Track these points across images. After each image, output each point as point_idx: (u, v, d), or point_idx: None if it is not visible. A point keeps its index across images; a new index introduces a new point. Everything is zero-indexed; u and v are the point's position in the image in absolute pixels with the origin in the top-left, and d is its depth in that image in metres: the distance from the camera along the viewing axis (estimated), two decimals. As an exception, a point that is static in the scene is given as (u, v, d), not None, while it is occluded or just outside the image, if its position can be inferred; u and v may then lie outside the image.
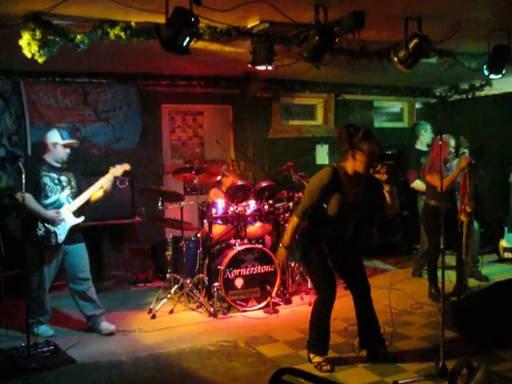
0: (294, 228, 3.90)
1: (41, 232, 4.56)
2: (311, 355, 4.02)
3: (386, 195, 3.82)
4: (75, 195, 4.74)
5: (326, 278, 3.99)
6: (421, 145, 6.74)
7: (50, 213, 4.56)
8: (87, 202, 4.76)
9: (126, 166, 4.95)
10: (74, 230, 4.70)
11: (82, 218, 4.75)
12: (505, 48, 5.08)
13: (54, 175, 4.67)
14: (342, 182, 3.82)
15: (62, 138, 4.68)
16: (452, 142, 5.61)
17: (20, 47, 4.04)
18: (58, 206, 4.64)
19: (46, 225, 4.56)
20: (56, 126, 4.97)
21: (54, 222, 4.57)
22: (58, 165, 4.71)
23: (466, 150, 6.03)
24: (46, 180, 4.61)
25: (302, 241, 4.05)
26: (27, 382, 3.82)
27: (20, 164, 4.27)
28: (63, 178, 4.71)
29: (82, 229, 4.83)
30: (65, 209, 4.66)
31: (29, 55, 4.07)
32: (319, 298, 4.07)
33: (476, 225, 6.25)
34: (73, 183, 4.76)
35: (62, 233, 4.62)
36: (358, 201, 3.88)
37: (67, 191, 4.70)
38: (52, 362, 4.08)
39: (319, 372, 3.85)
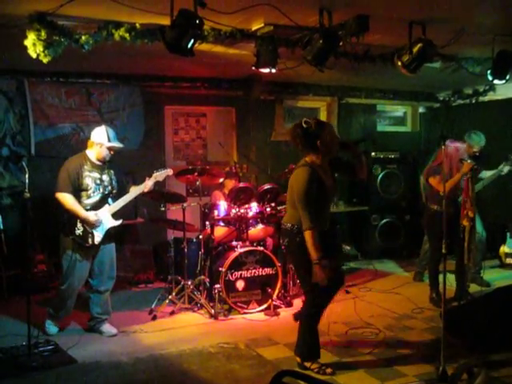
0: (313, 239, 3.66)
1: (79, 232, 4.54)
2: (307, 363, 3.95)
3: (356, 161, 3.99)
4: (115, 196, 4.74)
5: None
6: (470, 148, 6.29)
7: (91, 216, 4.53)
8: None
9: (169, 172, 4.99)
10: (109, 231, 4.70)
11: (120, 221, 4.74)
12: (509, 53, 5.08)
13: (96, 175, 4.63)
14: (319, 175, 3.83)
15: (109, 140, 4.61)
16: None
17: (25, 47, 4.05)
18: (99, 206, 4.62)
19: (85, 225, 4.54)
20: (101, 124, 4.86)
21: (93, 226, 4.56)
22: (100, 163, 4.68)
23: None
24: (89, 181, 4.58)
25: (294, 240, 3.86)
26: (27, 381, 3.82)
27: (23, 163, 4.26)
28: (105, 178, 4.68)
29: (116, 230, 4.81)
30: (105, 210, 4.64)
31: (34, 55, 4.08)
32: (310, 302, 3.97)
33: (484, 235, 6.24)
34: (113, 182, 4.74)
35: (99, 234, 4.60)
36: (333, 185, 3.96)
37: (108, 192, 4.69)
38: (52, 362, 4.09)
39: (321, 375, 3.83)
